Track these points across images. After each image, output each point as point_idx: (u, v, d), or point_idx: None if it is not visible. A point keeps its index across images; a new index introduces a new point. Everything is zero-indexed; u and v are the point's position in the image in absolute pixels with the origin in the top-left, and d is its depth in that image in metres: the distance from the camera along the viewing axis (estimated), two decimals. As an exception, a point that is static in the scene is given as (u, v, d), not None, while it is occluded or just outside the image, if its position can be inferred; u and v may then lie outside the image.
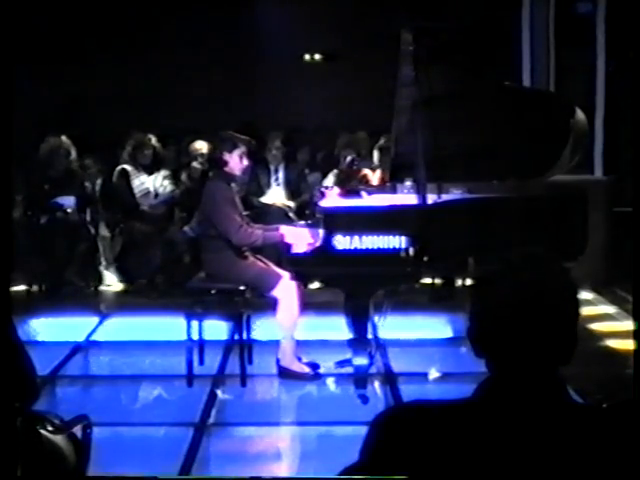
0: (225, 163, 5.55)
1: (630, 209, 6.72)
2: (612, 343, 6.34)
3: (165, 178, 8.48)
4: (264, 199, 8.41)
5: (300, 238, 5.28)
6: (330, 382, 5.56)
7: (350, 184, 7.66)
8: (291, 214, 8.22)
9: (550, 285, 1.70)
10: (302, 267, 5.22)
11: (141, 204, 8.33)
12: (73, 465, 2.85)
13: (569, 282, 1.73)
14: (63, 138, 8.38)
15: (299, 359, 5.59)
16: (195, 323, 5.56)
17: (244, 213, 5.76)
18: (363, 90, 10.14)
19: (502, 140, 5.30)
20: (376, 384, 5.47)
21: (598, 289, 7.68)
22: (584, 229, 5.32)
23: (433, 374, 5.63)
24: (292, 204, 8.42)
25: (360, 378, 5.12)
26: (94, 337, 6.65)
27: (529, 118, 5.33)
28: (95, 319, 7.08)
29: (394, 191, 5.78)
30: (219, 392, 5.40)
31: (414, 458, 1.65)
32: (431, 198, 5.14)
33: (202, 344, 5.72)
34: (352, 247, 4.93)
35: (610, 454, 1.63)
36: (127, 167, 8.38)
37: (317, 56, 11.79)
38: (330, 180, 8.50)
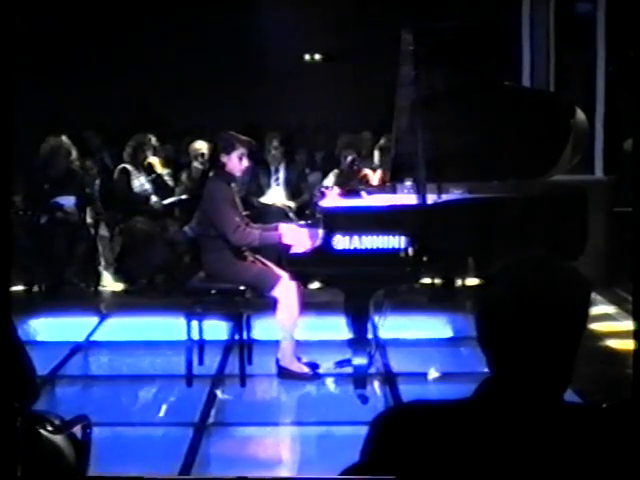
0: (224, 164, 5.55)
1: (630, 209, 6.71)
2: (612, 343, 6.34)
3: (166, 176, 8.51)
4: (264, 199, 8.42)
5: (299, 238, 5.27)
6: (330, 382, 5.56)
7: (350, 184, 7.67)
8: (291, 214, 8.22)
9: (560, 288, 1.69)
10: (302, 267, 5.22)
11: (141, 204, 8.34)
12: (73, 465, 2.84)
13: (579, 285, 1.72)
14: (63, 138, 8.39)
15: (299, 359, 5.59)
16: (195, 323, 5.56)
17: (244, 213, 5.76)
18: (363, 90, 10.14)
19: (502, 140, 5.30)
20: (376, 384, 5.46)
21: (598, 289, 7.68)
22: (584, 229, 5.32)
23: (433, 374, 5.63)
24: (292, 204, 8.43)
25: (360, 378, 5.12)
26: (94, 337, 6.65)
27: (529, 118, 5.33)
28: (95, 319, 7.08)
29: (394, 191, 5.78)
30: (219, 392, 5.40)
31: (414, 458, 1.65)
32: (431, 198, 5.14)
33: (202, 344, 5.72)
34: (352, 247, 4.93)
35: (610, 454, 1.63)
36: (128, 167, 8.39)
37: (317, 56, 11.79)
38: (330, 180, 8.50)
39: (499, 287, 1.72)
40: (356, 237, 4.93)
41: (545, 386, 1.68)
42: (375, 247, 4.93)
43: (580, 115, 5.40)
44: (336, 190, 6.16)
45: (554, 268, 1.72)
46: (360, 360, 5.10)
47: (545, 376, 1.68)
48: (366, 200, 5.59)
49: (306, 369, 5.56)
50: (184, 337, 5.49)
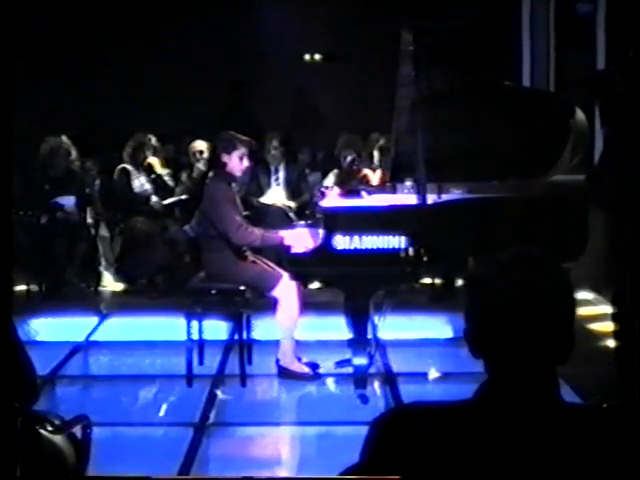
0: (224, 164, 5.55)
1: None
2: (612, 343, 6.32)
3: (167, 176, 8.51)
4: (264, 199, 8.41)
5: (300, 240, 5.27)
6: (330, 382, 5.56)
7: (350, 184, 7.66)
8: (291, 214, 8.22)
9: (545, 285, 1.69)
10: (302, 267, 5.21)
11: (141, 204, 8.34)
12: (73, 465, 2.85)
13: (564, 281, 1.72)
14: (63, 138, 8.39)
15: (299, 359, 5.59)
16: (195, 323, 5.56)
17: (244, 213, 5.76)
18: (363, 90, 10.15)
19: (502, 140, 5.30)
20: (376, 384, 5.46)
21: (598, 289, 7.67)
22: (584, 229, 5.32)
23: (433, 374, 5.63)
24: (292, 204, 8.42)
25: (360, 378, 5.12)
26: (94, 337, 6.65)
27: (529, 118, 5.33)
28: (95, 319, 7.08)
29: (394, 191, 5.78)
30: (219, 392, 5.40)
31: (415, 460, 1.65)
32: (431, 198, 5.14)
33: (202, 344, 5.72)
34: (352, 247, 4.93)
35: (610, 454, 1.63)
36: (128, 167, 8.39)
37: (317, 56, 11.80)
38: (330, 180, 8.50)
39: (485, 287, 1.72)
40: (356, 237, 4.93)
41: (543, 386, 1.67)
42: (375, 247, 4.92)
43: (580, 115, 5.40)
44: (336, 190, 6.16)
45: (532, 262, 1.72)
46: (360, 360, 5.09)
47: (542, 375, 1.67)
48: (366, 200, 5.59)
49: (306, 369, 5.56)
50: (184, 337, 5.49)
